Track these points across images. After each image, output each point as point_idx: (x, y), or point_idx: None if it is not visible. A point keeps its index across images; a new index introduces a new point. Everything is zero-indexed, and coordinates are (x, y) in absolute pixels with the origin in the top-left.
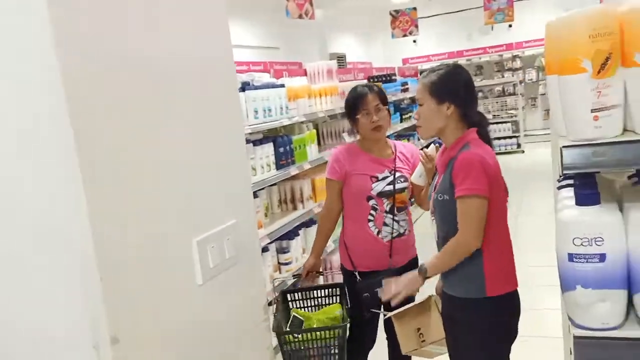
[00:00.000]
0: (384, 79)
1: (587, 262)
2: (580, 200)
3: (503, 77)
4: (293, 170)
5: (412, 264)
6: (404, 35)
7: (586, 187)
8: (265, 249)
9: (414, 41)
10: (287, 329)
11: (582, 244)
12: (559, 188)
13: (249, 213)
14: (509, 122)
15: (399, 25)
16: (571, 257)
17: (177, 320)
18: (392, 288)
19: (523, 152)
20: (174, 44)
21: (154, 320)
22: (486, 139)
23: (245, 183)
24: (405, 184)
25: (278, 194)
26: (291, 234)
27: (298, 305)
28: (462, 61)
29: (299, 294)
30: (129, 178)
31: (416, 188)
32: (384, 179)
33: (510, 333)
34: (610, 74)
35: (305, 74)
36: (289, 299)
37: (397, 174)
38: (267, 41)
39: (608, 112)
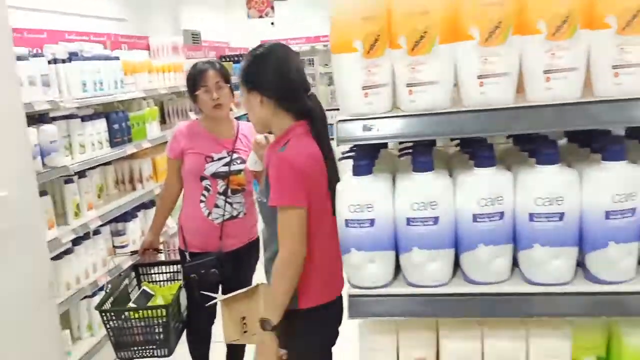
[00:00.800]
0: (235, 58)
1: (359, 227)
2: (355, 171)
3: None
4: (130, 149)
5: (250, 246)
6: (260, 17)
7: (361, 158)
8: (96, 232)
9: (272, 23)
10: (109, 307)
11: (355, 211)
12: (340, 159)
13: (26, 186)
14: None
15: (255, 5)
16: (347, 222)
17: None
18: None
19: None
20: None
21: None
22: (319, 131)
23: (21, 156)
24: (242, 166)
25: (114, 173)
26: (128, 216)
27: (152, 279)
28: (318, 46)
29: (152, 268)
30: None
31: (256, 173)
32: (219, 159)
33: (328, 342)
34: (378, 55)
35: (148, 49)
36: (141, 272)
37: (235, 155)
38: (115, 12)
39: (377, 90)
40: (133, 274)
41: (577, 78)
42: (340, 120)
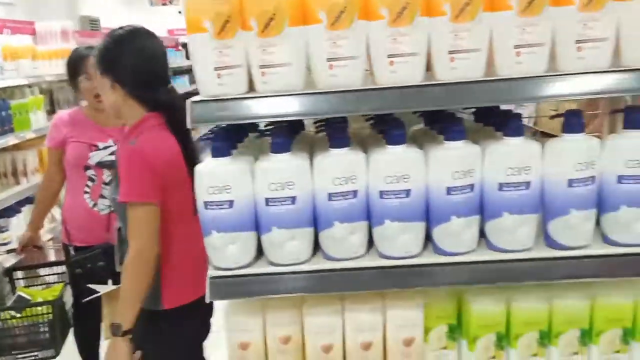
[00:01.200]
0: None
1: (218, 208)
2: (214, 153)
3: None
4: (12, 140)
5: None
6: (164, 4)
7: (219, 140)
8: None
9: (180, 12)
10: None
11: (214, 192)
12: (200, 140)
13: None
14: None
15: None
16: (206, 204)
17: None
18: None
19: None
20: None
21: None
22: (178, 124)
23: None
24: None
25: None
26: (11, 211)
27: (34, 283)
28: None
29: (28, 271)
30: None
31: None
32: (105, 148)
33: (197, 339)
34: (230, 36)
35: (34, 34)
36: (18, 277)
37: None
38: None
39: (230, 71)
40: (7, 279)
41: (418, 63)
42: (193, 102)
